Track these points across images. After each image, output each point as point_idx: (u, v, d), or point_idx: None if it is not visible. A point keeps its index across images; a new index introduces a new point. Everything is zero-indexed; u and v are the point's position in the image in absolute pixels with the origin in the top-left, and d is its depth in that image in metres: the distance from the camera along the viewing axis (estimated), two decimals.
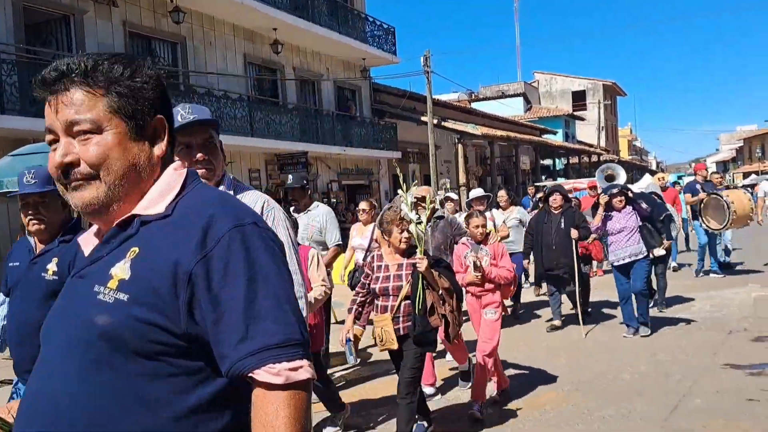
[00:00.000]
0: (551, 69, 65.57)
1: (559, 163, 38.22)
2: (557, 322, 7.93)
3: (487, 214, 7.52)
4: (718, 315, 8.20)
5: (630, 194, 7.39)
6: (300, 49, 20.07)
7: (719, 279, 10.82)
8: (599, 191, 11.22)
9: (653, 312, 8.10)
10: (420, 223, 4.33)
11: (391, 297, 4.36)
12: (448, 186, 21.69)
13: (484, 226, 5.50)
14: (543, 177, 32.38)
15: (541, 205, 8.80)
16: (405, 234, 4.39)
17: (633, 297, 7.38)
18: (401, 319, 4.33)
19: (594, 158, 39.74)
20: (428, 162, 21.98)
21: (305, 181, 6.59)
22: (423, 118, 22.35)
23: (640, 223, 7.28)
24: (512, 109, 40.26)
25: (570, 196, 11.16)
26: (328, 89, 21.67)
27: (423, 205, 5.30)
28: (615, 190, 7.39)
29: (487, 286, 5.34)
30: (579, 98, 51.87)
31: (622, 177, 14.46)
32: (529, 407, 5.24)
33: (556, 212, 7.89)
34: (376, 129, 22.55)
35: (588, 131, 49.13)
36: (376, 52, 22.32)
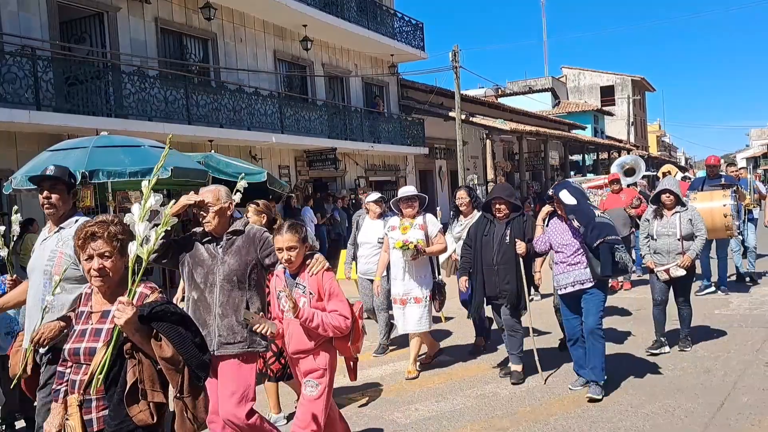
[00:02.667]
0: (579, 64, 64.97)
1: (589, 159, 37.78)
2: (517, 367, 5.90)
3: (419, 219, 6.16)
4: (757, 312, 8.04)
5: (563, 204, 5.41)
6: (329, 46, 20.09)
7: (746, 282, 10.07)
8: (620, 185, 10.36)
9: (674, 351, 6.48)
10: (146, 242, 2.58)
11: (84, 366, 2.62)
12: (476, 181, 21.61)
13: (293, 248, 3.72)
14: (572, 173, 32.06)
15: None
16: (97, 263, 2.63)
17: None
18: (94, 404, 2.60)
19: (624, 154, 39.21)
20: (455, 158, 21.88)
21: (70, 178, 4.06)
22: (451, 114, 22.25)
23: None
24: (540, 104, 39.92)
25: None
26: (357, 85, 21.67)
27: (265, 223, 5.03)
28: (550, 193, 5.69)
29: (306, 343, 3.76)
30: (607, 93, 51.26)
31: (642, 171, 12.85)
32: (570, 403, 5.18)
33: (501, 221, 5.91)
34: (404, 125, 22.50)
35: (617, 127, 48.55)
36: (404, 47, 22.26)
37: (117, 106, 12.34)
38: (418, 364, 6.35)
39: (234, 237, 3.96)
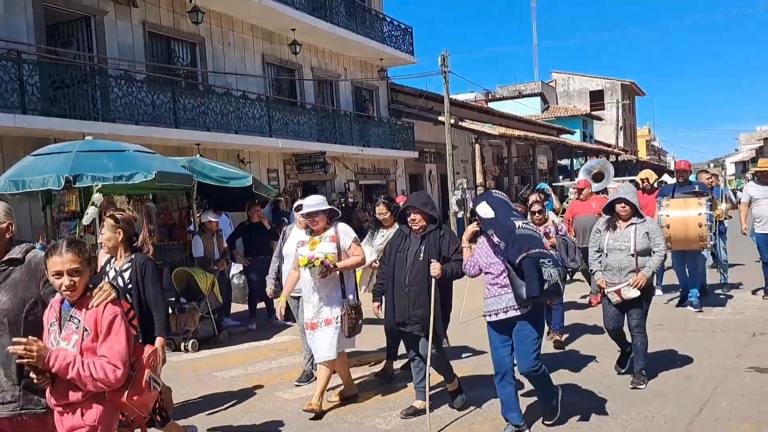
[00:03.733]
0: (568, 68, 65.31)
1: (577, 163, 37.90)
2: (418, 404, 5.22)
3: (330, 231, 5.43)
4: (739, 317, 8.10)
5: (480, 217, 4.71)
6: (318, 50, 20.10)
7: (735, 279, 10.20)
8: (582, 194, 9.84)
9: (621, 381, 5.77)
10: None
11: None
12: (465, 185, 21.66)
13: (76, 271, 2.93)
14: (560, 177, 32.20)
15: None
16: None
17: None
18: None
19: (612, 158, 39.41)
20: (445, 162, 21.94)
21: None
22: (440, 118, 22.30)
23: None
24: (529, 108, 40.08)
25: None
26: (346, 89, 21.69)
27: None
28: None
29: (71, 393, 2.95)
30: (597, 98, 51.55)
31: (611, 175, 12.32)
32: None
33: (417, 235, 5.16)
34: (393, 129, 22.54)
35: (606, 131, 48.81)
36: (393, 52, 22.32)
37: (104, 110, 12.30)
38: (325, 398, 5.50)
39: (9, 268, 3.09)
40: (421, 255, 5.03)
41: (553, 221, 7.25)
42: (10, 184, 7.62)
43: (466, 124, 24.10)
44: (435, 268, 4.92)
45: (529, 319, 4.55)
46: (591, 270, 6.05)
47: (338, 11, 19.61)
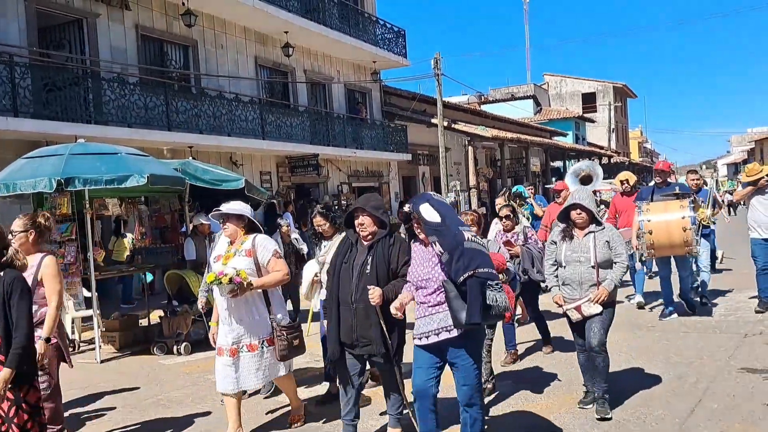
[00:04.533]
0: (561, 71, 65.55)
1: (570, 165, 38.07)
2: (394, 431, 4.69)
3: (246, 243, 4.86)
4: (732, 318, 8.14)
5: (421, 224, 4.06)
6: (311, 52, 20.11)
7: (729, 281, 10.05)
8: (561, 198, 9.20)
9: (649, 356, 6.18)
10: None
11: None
12: (458, 188, 21.72)
13: None
14: (553, 179, 32.28)
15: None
16: None
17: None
18: None
19: (605, 160, 39.57)
20: (438, 164, 21.97)
21: None
22: (433, 121, 22.35)
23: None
24: (522, 111, 40.17)
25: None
26: (339, 92, 21.70)
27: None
28: (406, 208, 4.23)
29: None
30: (589, 100, 51.74)
31: (599, 178, 11.38)
32: (542, 411, 5.21)
33: (365, 243, 4.50)
34: (387, 131, 22.56)
35: (598, 133, 48.98)
36: (386, 54, 22.35)
37: (96, 113, 12.28)
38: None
39: None
40: (368, 267, 4.38)
41: (523, 228, 6.86)
42: (1, 186, 7.59)
43: (459, 126, 24.16)
44: (374, 295, 4.21)
45: (466, 345, 3.95)
46: (547, 285, 5.42)
47: (331, 14, 19.62)
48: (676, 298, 8.52)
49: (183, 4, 14.73)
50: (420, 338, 4.04)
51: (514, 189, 12.70)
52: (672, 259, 8.18)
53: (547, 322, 7.24)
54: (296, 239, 10.18)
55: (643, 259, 8.54)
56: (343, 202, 20.35)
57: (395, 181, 24.11)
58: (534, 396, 5.62)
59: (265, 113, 16.67)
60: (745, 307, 8.67)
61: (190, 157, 11.77)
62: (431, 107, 23.38)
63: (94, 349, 8.11)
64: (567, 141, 39.45)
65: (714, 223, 9.19)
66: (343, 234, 4.79)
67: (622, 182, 9.44)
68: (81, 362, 8.09)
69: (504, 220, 6.85)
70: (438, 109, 21.29)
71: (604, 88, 51.92)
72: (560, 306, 5.22)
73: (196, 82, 15.84)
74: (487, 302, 3.80)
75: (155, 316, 9.22)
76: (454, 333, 3.91)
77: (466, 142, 24.76)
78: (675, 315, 8.22)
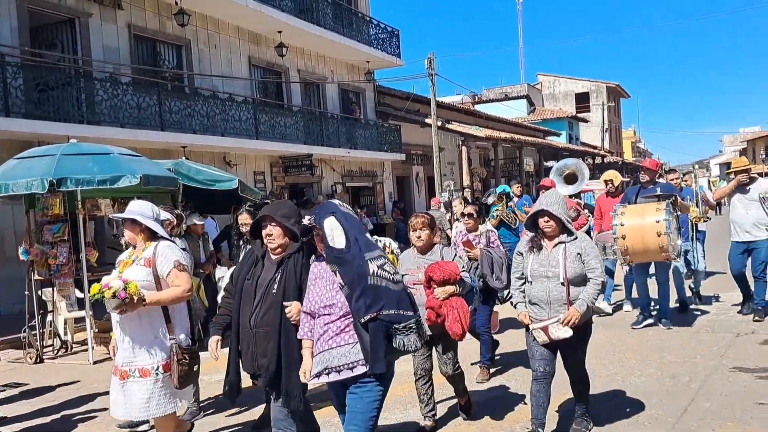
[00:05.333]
0: (554, 71, 65.70)
1: None
2: None
3: (147, 251, 4.12)
4: (723, 318, 8.17)
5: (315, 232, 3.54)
6: (304, 52, 20.08)
7: (723, 280, 9.80)
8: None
9: (641, 356, 6.19)
10: None
11: None
12: (452, 187, 21.74)
13: None
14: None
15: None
16: None
17: None
18: None
19: (598, 160, 39.69)
20: (432, 164, 21.99)
21: None
22: (427, 121, 22.36)
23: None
24: (516, 111, 40.27)
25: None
26: (333, 92, 21.69)
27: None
28: (307, 220, 3.57)
29: None
30: (582, 100, 51.90)
31: (585, 178, 10.36)
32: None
33: (273, 257, 3.89)
34: (380, 131, 22.57)
35: (592, 133, 49.13)
36: (380, 54, 22.35)
37: (89, 113, 12.23)
38: None
39: None
40: (276, 286, 3.77)
41: (486, 231, 6.35)
42: None
43: (453, 126, 24.19)
44: (292, 309, 3.68)
45: (370, 379, 3.39)
46: (512, 302, 4.80)
47: (325, 14, 19.61)
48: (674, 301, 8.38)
49: (176, 3, 14.68)
50: (318, 376, 3.42)
51: (499, 189, 12.03)
52: (652, 263, 7.74)
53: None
54: None
55: (621, 264, 7.99)
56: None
57: (389, 181, 24.13)
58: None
59: (258, 113, 16.64)
60: (736, 308, 8.69)
61: (184, 157, 11.75)
62: (425, 107, 23.39)
63: (86, 350, 8.09)
64: (560, 141, 39.54)
65: (707, 220, 8.84)
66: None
67: (606, 182, 9.03)
68: (74, 363, 8.07)
69: (466, 218, 6.39)
70: (432, 109, 21.30)
71: (597, 88, 52.09)
72: (527, 325, 4.54)
73: (190, 82, 15.80)
74: (394, 347, 3.33)
75: None
76: (359, 370, 3.32)
77: (460, 142, 24.79)
78: (650, 321, 7.77)
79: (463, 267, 4.78)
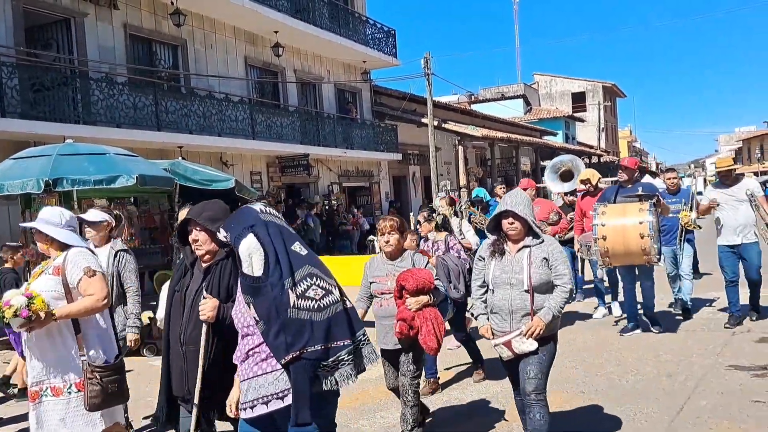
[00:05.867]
0: (551, 70, 65.73)
1: None
2: None
3: (58, 260, 3.70)
4: (720, 316, 8.15)
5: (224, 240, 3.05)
6: (301, 52, 20.08)
7: (714, 279, 9.36)
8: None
9: (638, 355, 6.14)
10: None
11: None
12: (449, 187, 21.74)
13: None
14: (543, 178, 32.39)
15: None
16: None
17: None
18: None
19: (594, 159, 39.75)
20: (429, 164, 22.00)
21: None
22: (423, 120, 22.37)
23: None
24: (512, 110, 40.29)
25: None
26: (329, 92, 21.69)
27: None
28: (222, 235, 3.08)
29: None
30: (579, 100, 51.96)
31: (581, 172, 9.35)
32: None
33: (204, 264, 3.51)
34: (377, 131, 22.58)
35: (588, 133, 49.18)
36: (376, 54, 22.36)
37: (85, 113, 12.21)
38: None
39: None
40: (204, 297, 3.36)
41: (445, 237, 5.99)
42: None
43: (450, 126, 24.20)
44: (205, 306, 3.27)
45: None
46: (473, 313, 4.43)
47: (321, 14, 19.61)
48: (668, 304, 8.33)
49: (172, 3, 14.67)
50: (244, 408, 2.97)
51: (474, 194, 11.36)
52: (636, 268, 7.33)
53: (477, 343, 6.17)
54: None
55: (600, 267, 7.61)
56: (333, 202, 20.35)
57: (386, 180, 24.13)
58: None
59: (255, 113, 16.64)
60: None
61: (180, 158, 11.73)
62: (421, 107, 23.41)
63: None
64: (557, 140, 39.59)
65: (699, 228, 7.95)
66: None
67: (583, 182, 8.43)
68: None
69: (423, 223, 6.12)
70: (428, 109, 21.31)
71: (593, 88, 52.15)
72: (489, 339, 4.12)
73: (186, 82, 15.78)
74: (322, 388, 2.86)
75: (145, 317, 9.13)
76: (289, 400, 2.87)
77: (457, 142, 24.80)
78: (638, 331, 7.42)
79: (436, 276, 4.47)
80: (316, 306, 2.86)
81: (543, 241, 4.00)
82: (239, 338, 3.07)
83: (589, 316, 8.58)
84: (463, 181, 23.87)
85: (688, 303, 8.25)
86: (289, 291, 2.83)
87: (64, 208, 7.99)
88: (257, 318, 2.89)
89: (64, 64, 13.04)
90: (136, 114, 13.08)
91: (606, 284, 8.64)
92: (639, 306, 7.63)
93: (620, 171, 7.62)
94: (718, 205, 7.44)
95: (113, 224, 5.12)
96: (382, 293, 4.45)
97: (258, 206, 3.06)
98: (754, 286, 7.56)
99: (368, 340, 3.08)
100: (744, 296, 7.62)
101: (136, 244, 9.67)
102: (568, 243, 8.93)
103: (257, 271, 2.86)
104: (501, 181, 14.42)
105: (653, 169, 57.59)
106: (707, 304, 8.96)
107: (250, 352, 2.97)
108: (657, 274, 7.57)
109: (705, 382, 5.60)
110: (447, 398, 5.69)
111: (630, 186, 7.31)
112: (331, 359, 2.87)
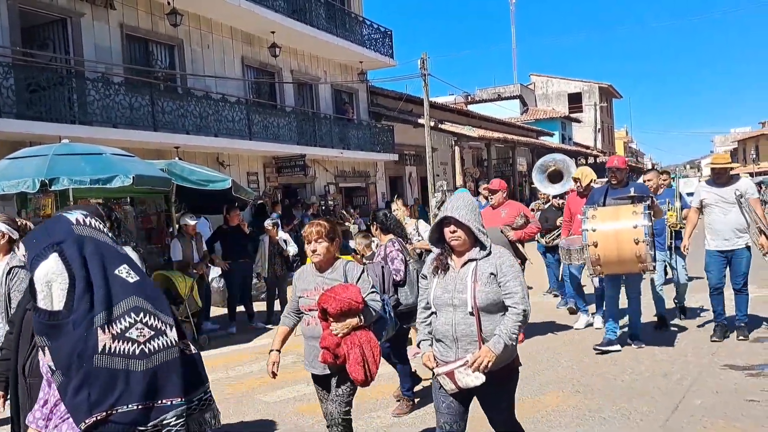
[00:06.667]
0: (547, 71, 65.87)
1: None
2: None
3: None
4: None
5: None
6: (297, 53, 20.08)
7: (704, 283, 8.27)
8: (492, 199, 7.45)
9: (634, 355, 6.00)
10: None
11: None
12: (445, 187, 21.76)
13: None
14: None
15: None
16: None
17: None
18: None
19: (591, 160, 39.84)
20: (425, 164, 22.02)
21: None
22: (420, 121, 22.38)
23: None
24: (509, 111, 40.37)
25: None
26: (326, 92, 21.70)
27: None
28: (22, 258, 2.52)
29: None
30: (575, 100, 52.06)
31: (572, 174, 8.52)
32: (530, 408, 5.24)
33: None
34: (373, 131, 22.59)
35: (584, 133, 49.29)
36: (373, 55, 22.36)
37: (81, 113, 12.19)
38: None
39: None
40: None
41: (387, 242, 5.52)
42: None
43: (446, 126, 24.24)
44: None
45: None
46: (418, 339, 3.63)
47: (318, 14, 19.61)
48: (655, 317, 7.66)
49: (168, 3, 14.65)
50: None
51: (456, 192, 11.09)
52: (623, 276, 6.75)
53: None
54: (284, 240, 10.18)
55: (589, 275, 6.95)
56: (330, 202, 20.35)
57: (382, 181, 24.14)
58: None
59: (251, 113, 16.63)
60: (727, 305, 8.71)
61: (177, 158, 11.73)
62: (418, 107, 23.43)
63: None
64: (553, 141, 39.67)
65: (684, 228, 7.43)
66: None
67: (575, 180, 7.80)
68: None
69: (359, 239, 5.80)
70: (425, 109, 21.33)
71: (589, 89, 52.27)
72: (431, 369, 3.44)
73: (182, 82, 15.76)
74: None
75: None
76: None
77: (453, 142, 24.84)
78: (617, 347, 6.69)
79: (372, 289, 3.85)
80: (138, 351, 2.20)
81: (491, 253, 3.35)
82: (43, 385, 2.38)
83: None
84: (459, 181, 23.89)
85: (683, 306, 8.09)
86: (99, 330, 2.19)
87: (60, 207, 7.95)
88: (53, 367, 2.22)
89: (60, 64, 13.02)
90: (132, 114, 13.07)
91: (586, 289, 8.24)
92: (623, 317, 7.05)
93: (610, 173, 6.87)
94: (704, 207, 6.90)
95: (12, 236, 4.73)
96: (310, 309, 3.80)
97: (75, 215, 2.41)
98: (737, 293, 6.94)
99: (211, 399, 2.46)
100: (730, 307, 7.07)
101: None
102: (555, 249, 8.75)
103: (57, 303, 2.21)
104: (486, 180, 13.96)
105: (649, 168, 57.51)
106: (702, 306, 9.00)
107: (54, 410, 2.28)
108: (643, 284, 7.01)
109: (700, 381, 5.63)
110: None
111: (621, 188, 6.70)
112: (151, 423, 2.21)
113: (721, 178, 6.87)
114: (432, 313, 3.44)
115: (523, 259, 6.94)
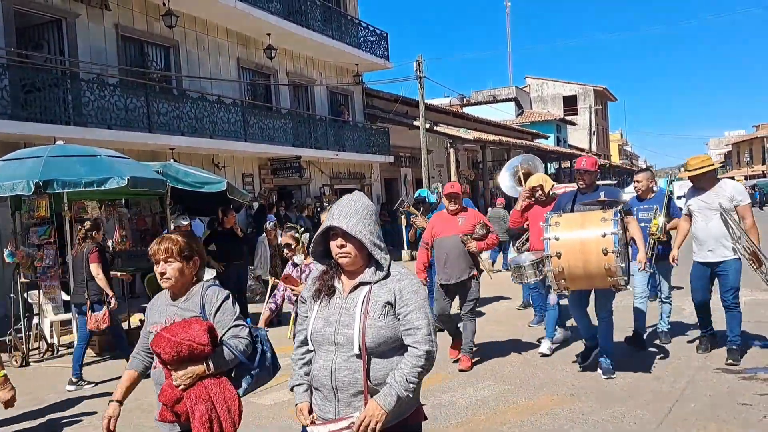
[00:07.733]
0: (543, 74, 65.99)
1: (551, 168, 38.37)
2: None
3: None
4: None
5: None
6: (293, 54, 20.08)
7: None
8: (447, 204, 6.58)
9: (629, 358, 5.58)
10: None
11: None
12: (440, 189, 21.78)
13: None
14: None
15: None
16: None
17: None
18: None
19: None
20: (420, 166, 22.04)
21: None
22: (415, 123, 22.41)
23: None
24: (504, 113, 40.46)
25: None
26: (321, 94, 21.71)
27: None
28: None
29: None
30: (570, 103, 52.24)
31: (540, 170, 7.97)
32: (524, 412, 5.25)
33: None
34: (369, 133, 22.61)
35: (579, 136, 49.43)
36: (368, 57, 22.39)
37: (76, 114, 12.17)
38: None
39: None
40: None
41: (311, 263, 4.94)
42: None
43: (441, 128, 24.28)
44: None
45: None
46: (291, 383, 2.69)
47: (314, 16, 19.62)
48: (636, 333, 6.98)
49: (164, 4, 14.64)
50: None
51: (416, 193, 10.21)
52: (593, 291, 6.00)
53: None
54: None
55: (554, 291, 5.92)
56: (325, 204, 20.35)
57: (377, 183, 24.17)
58: None
59: (247, 115, 16.63)
60: (719, 308, 8.71)
61: (172, 159, 11.71)
62: (413, 109, 23.46)
63: (73, 353, 8.03)
64: (548, 143, 39.77)
65: (669, 237, 6.84)
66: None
67: (534, 189, 6.78)
68: (60, 366, 8.02)
69: (285, 250, 5.30)
70: (420, 112, 21.36)
71: (584, 91, 52.44)
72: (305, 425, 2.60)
73: (178, 84, 15.74)
74: None
75: (135, 319, 9.15)
76: None
77: (448, 144, 24.87)
78: (606, 358, 6.02)
79: (236, 322, 2.88)
80: None
81: (389, 275, 2.54)
82: None
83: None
84: None
85: (667, 332, 7.15)
86: None
87: (54, 209, 7.94)
88: None
89: (55, 65, 12.99)
90: (127, 115, 13.05)
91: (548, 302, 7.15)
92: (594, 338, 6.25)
93: (578, 176, 6.14)
94: (690, 214, 6.31)
95: None
96: None
97: None
98: (727, 310, 6.30)
99: None
100: (720, 321, 6.60)
101: (128, 246, 9.65)
102: None
103: None
104: (466, 180, 13.11)
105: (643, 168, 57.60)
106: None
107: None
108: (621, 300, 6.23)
109: (693, 384, 5.64)
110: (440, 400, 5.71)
111: (590, 192, 5.99)
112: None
113: (699, 182, 6.20)
114: (309, 351, 2.62)
115: (480, 272, 6.56)
